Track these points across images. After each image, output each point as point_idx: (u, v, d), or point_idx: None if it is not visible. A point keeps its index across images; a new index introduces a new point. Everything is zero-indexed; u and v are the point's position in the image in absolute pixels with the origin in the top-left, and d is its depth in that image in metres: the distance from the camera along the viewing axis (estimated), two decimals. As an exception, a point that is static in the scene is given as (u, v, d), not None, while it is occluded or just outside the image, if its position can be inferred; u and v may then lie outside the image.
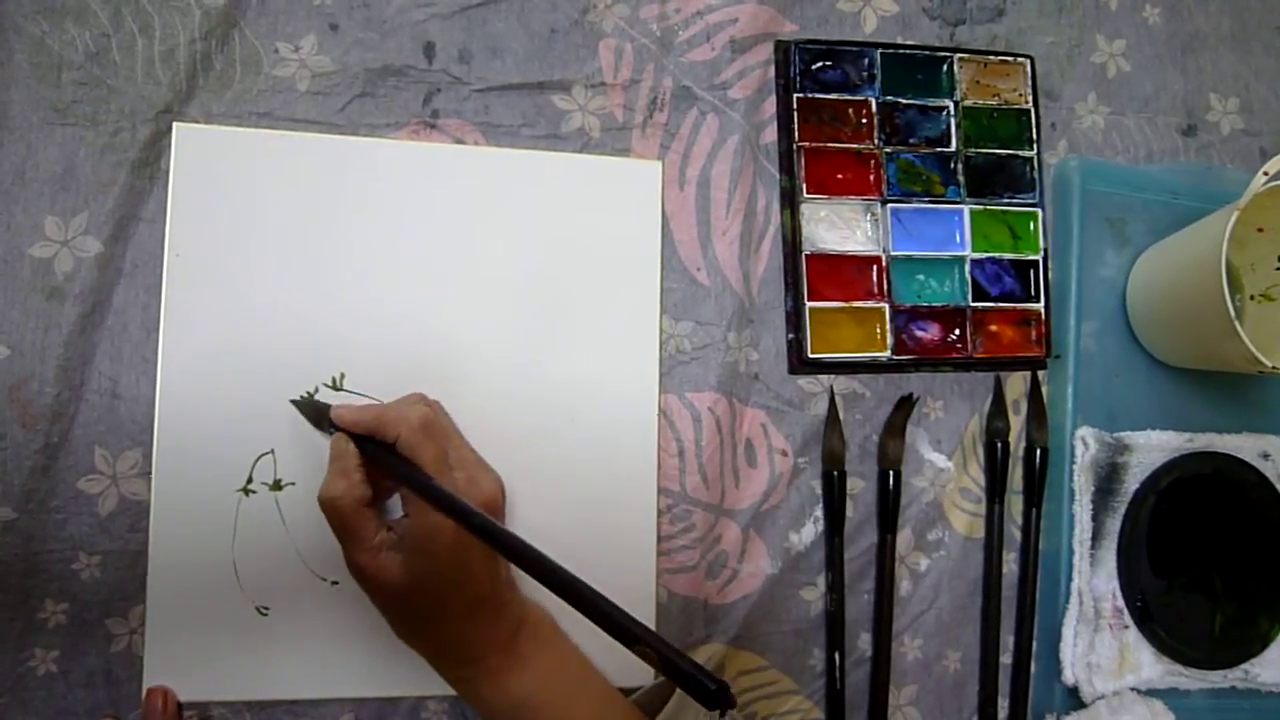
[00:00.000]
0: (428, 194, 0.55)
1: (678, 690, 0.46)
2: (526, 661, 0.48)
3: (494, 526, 0.44)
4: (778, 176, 0.61)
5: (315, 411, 0.51)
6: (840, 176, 0.60)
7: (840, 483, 0.59)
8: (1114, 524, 0.62)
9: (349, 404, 0.50)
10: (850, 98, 0.61)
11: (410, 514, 0.47)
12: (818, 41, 0.61)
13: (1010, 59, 0.64)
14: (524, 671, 0.47)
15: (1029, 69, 0.64)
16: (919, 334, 0.61)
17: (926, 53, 0.63)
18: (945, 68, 0.63)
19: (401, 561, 0.46)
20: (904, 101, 0.62)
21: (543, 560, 0.42)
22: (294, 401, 0.52)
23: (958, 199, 0.62)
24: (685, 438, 0.58)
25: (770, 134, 0.61)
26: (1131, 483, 0.62)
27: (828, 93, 0.61)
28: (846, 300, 0.60)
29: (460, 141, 0.57)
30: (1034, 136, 0.63)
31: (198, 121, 0.53)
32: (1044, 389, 0.63)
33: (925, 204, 0.61)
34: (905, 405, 0.61)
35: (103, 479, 0.51)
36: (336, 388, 0.53)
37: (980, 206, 0.62)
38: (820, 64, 0.61)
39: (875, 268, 0.60)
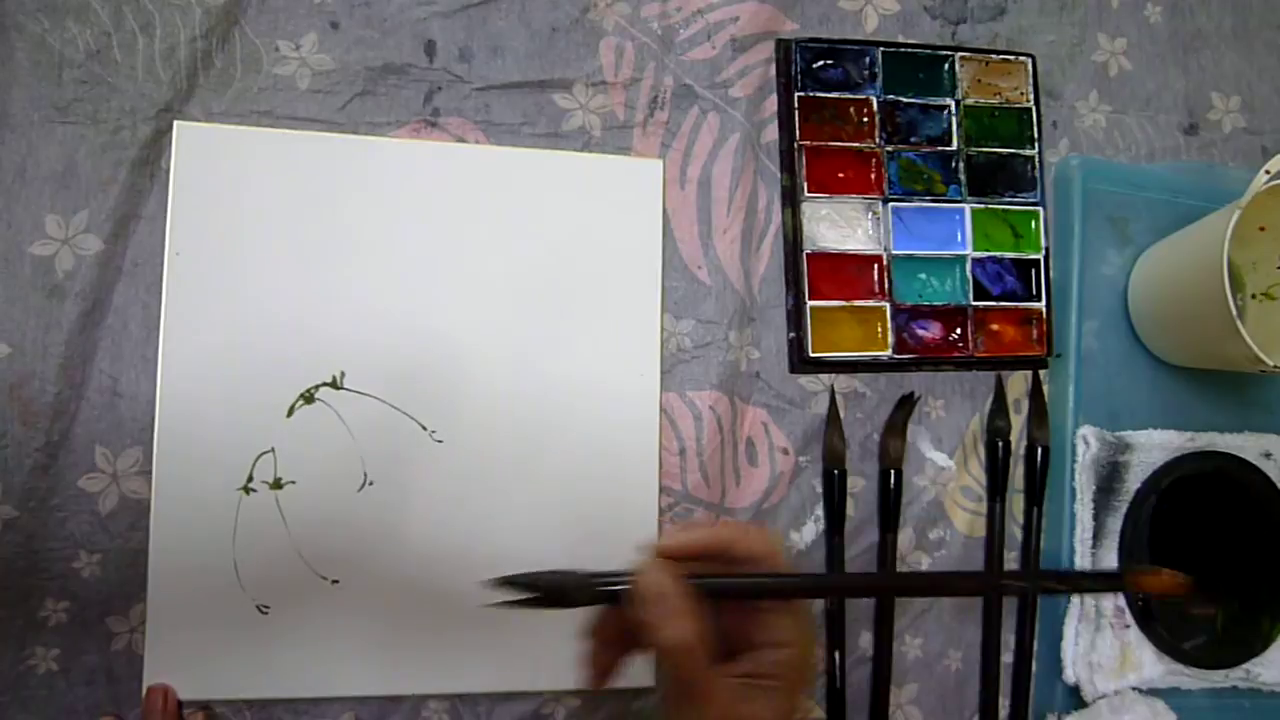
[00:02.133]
0: (428, 192, 0.55)
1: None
2: None
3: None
4: (779, 175, 0.61)
5: (550, 587, 0.38)
6: (841, 175, 0.60)
7: (841, 481, 0.59)
8: (1115, 523, 0.62)
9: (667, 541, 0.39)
10: (851, 96, 0.61)
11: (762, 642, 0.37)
12: (819, 40, 0.61)
13: (1011, 58, 0.64)
14: None
15: (1030, 67, 0.64)
16: (920, 333, 0.61)
17: (928, 51, 0.63)
18: (946, 66, 0.63)
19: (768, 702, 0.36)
20: (905, 100, 0.62)
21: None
22: (505, 586, 0.38)
23: (959, 198, 0.62)
24: (686, 436, 0.58)
25: (771, 133, 0.61)
26: (1133, 482, 0.62)
27: (829, 91, 0.61)
28: (848, 299, 0.60)
29: (461, 140, 0.56)
30: (1035, 135, 0.63)
31: (198, 120, 0.53)
32: (1045, 388, 0.63)
33: (926, 203, 0.61)
34: (906, 404, 0.61)
35: (103, 477, 0.51)
36: (337, 386, 0.53)
37: (981, 205, 0.62)
38: (821, 63, 0.61)
39: (876, 266, 0.60)
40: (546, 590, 0.37)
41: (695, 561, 0.37)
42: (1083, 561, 0.61)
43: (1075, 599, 0.60)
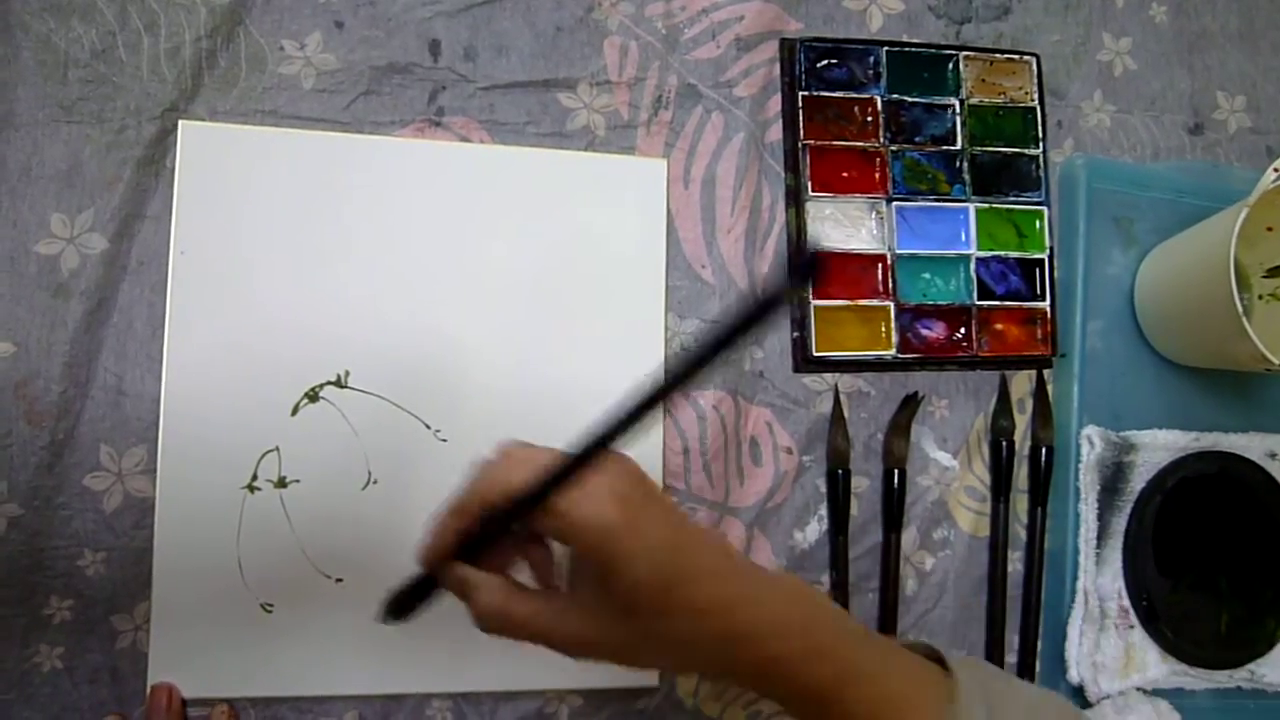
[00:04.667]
0: (433, 192, 0.55)
1: None
2: (820, 628, 0.39)
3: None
4: (783, 174, 0.61)
5: (402, 597, 0.42)
6: (845, 175, 0.60)
7: (845, 481, 0.59)
8: (1119, 523, 0.62)
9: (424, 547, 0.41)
10: (856, 96, 0.61)
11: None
12: (823, 39, 0.61)
13: (1016, 57, 0.64)
14: (825, 643, 0.38)
15: (1035, 67, 0.64)
16: (924, 332, 0.60)
17: (932, 51, 0.63)
18: (951, 66, 0.63)
19: (593, 582, 0.37)
20: (909, 99, 0.62)
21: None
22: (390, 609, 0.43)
23: (963, 197, 0.62)
24: (690, 435, 0.57)
25: (775, 132, 0.61)
26: (1137, 482, 0.62)
27: (833, 91, 0.61)
28: (852, 298, 0.60)
29: (465, 139, 0.57)
30: (1040, 135, 0.63)
31: (203, 119, 0.53)
32: (1049, 388, 0.63)
33: (931, 202, 0.61)
34: (910, 404, 0.61)
35: (108, 476, 0.51)
36: (341, 385, 0.53)
37: (986, 205, 0.62)
38: (825, 62, 0.61)
39: (880, 266, 0.60)
40: (396, 606, 0.42)
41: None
42: (1087, 562, 0.61)
43: (1081, 598, 0.60)
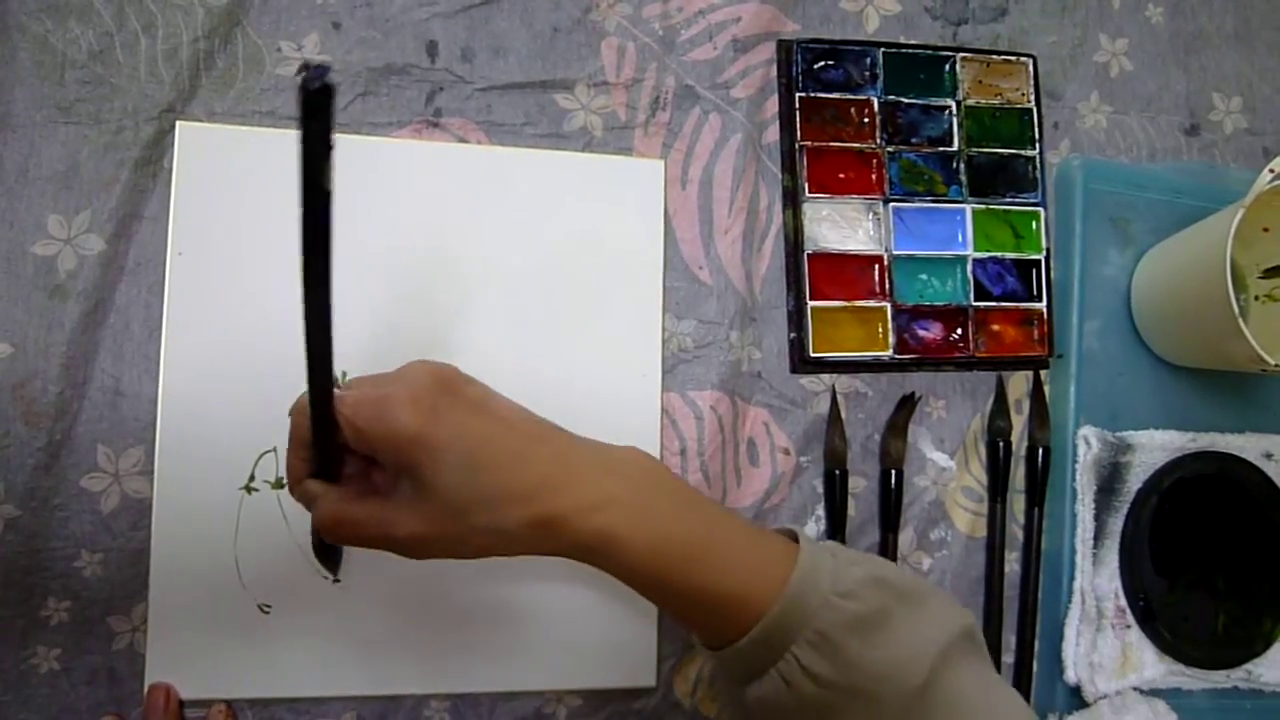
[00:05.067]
0: (430, 193, 0.55)
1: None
2: (647, 500, 0.39)
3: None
4: (780, 176, 0.61)
5: (318, 544, 0.46)
6: (842, 176, 0.60)
7: (842, 482, 0.59)
8: (1116, 523, 0.62)
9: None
10: (852, 97, 0.61)
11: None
12: (820, 41, 0.61)
13: (1013, 58, 0.64)
14: (652, 515, 0.39)
15: (1031, 68, 0.64)
16: (921, 333, 0.61)
17: (929, 52, 0.63)
18: (947, 67, 0.63)
19: (411, 485, 0.38)
20: (906, 101, 0.62)
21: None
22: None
23: (960, 198, 0.62)
24: (687, 436, 0.58)
25: (772, 133, 0.61)
26: (1134, 482, 0.62)
27: (830, 92, 0.61)
28: (849, 299, 0.60)
29: (463, 140, 0.57)
30: (1036, 136, 0.63)
31: (200, 120, 0.53)
32: (1046, 388, 0.63)
33: (927, 203, 0.61)
34: (907, 404, 0.61)
35: (105, 477, 0.51)
36: (339, 386, 0.53)
37: (982, 206, 0.62)
38: (822, 63, 0.61)
39: (877, 267, 0.60)
40: (322, 551, 0.46)
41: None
42: (1084, 562, 0.61)
43: (1078, 598, 0.60)
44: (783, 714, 0.38)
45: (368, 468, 0.41)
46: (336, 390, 0.37)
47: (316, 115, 0.30)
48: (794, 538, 0.41)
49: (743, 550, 0.39)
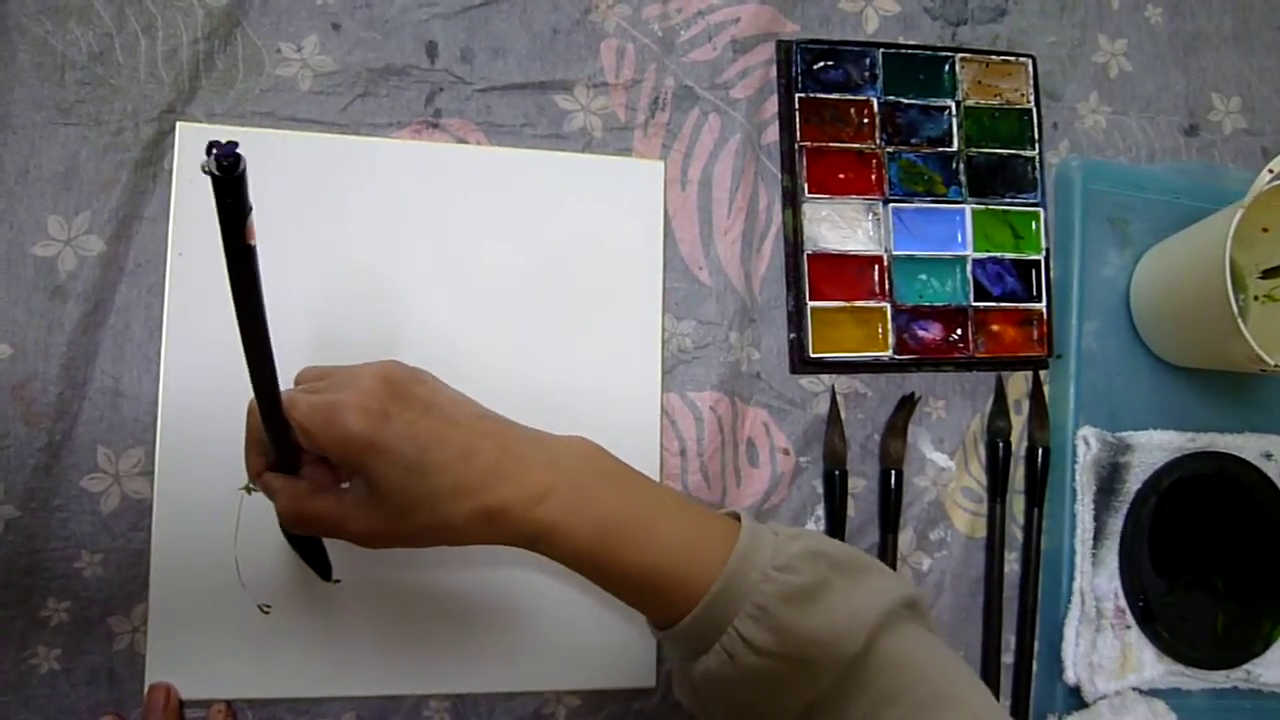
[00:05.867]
0: (430, 194, 0.55)
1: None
2: (586, 488, 0.41)
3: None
4: (779, 176, 0.61)
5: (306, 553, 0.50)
6: (842, 176, 0.61)
7: (842, 482, 0.59)
8: (1116, 524, 0.62)
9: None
10: (852, 97, 0.61)
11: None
12: (819, 41, 0.61)
13: (1012, 59, 0.64)
14: (590, 502, 0.40)
15: (1031, 69, 0.64)
16: (921, 334, 0.61)
17: (928, 52, 0.63)
18: (947, 67, 0.63)
19: (364, 484, 0.40)
20: (906, 101, 0.62)
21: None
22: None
23: (959, 199, 0.62)
24: (687, 437, 0.58)
25: (772, 134, 0.61)
26: (1133, 482, 0.62)
27: (829, 92, 0.61)
28: (848, 300, 0.60)
29: (463, 141, 0.57)
30: (1036, 136, 0.63)
31: (200, 121, 0.53)
32: (1046, 389, 0.63)
33: (927, 204, 0.61)
34: (907, 405, 0.61)
35: (105, 477, 0.51)
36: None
37: (982, 206, 0.62)
38: (822, 64, 0.61)
39: (877, 267, 0.60)
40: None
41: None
42: (1083, 562, 0.61)
43: (1077, 599, 0.60)
44: (728, 686, 0.39)
45: (323, 460, 0.43)
46: (288, 394, 0.39)
47: (231, 193, 0.32)
48: (737, 519, 0.42)
49: (684, 531, 0.41)
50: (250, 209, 0.33)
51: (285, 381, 0.43)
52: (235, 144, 0.30)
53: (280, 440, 0.41)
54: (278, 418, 0.39)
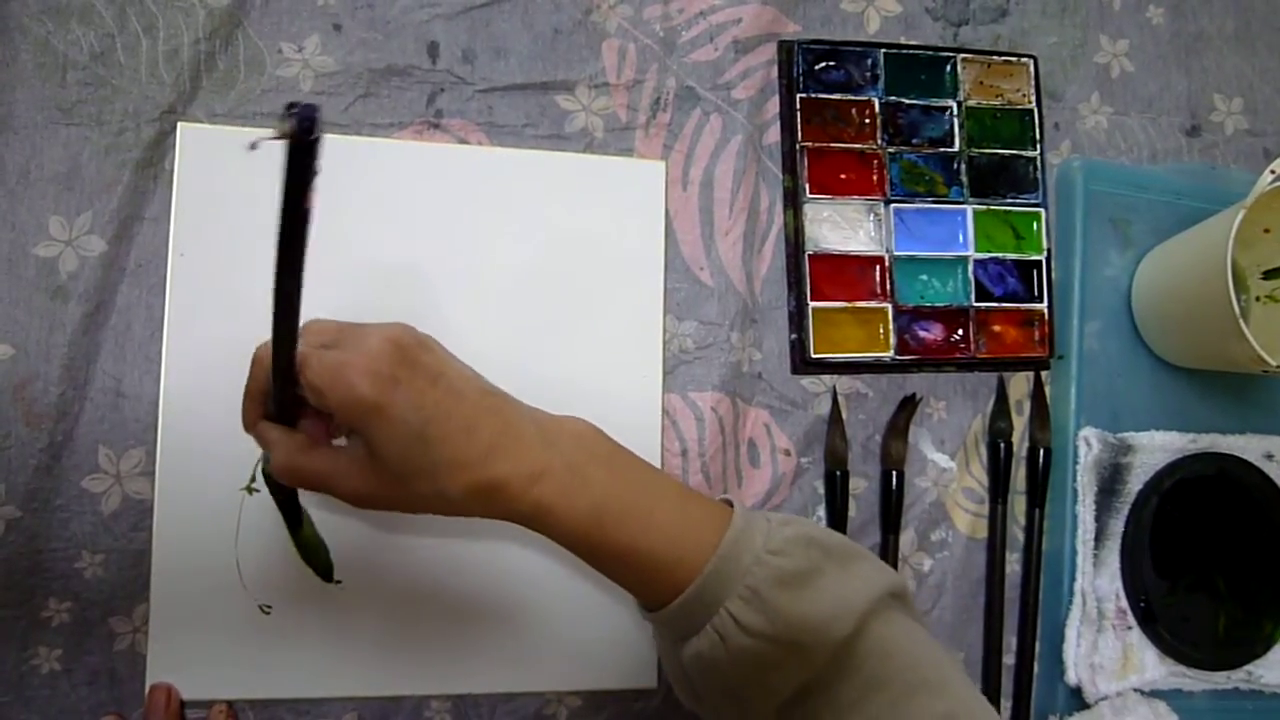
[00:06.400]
0: (431, 194, 0.55)
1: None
2: (581, 470, 0.41)
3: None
4: (781, 177, 0.61)
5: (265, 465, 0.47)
6: (843, 177, 0.60)
7: (843, 483, 0.59)
8: (1117, 524, 0.62)
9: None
10: (853, 98, 0.61)
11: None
12: (821, 42, 0.61)
13: (1013, 59, 0.64)
14: (585, 484, 0.40)
15: (1032, 69, 0.64)
16: (922, 334, 0.61)
17: (930, 53, 0.63)
18: (948, 68, 0.63)
19: (364, 445, 0.39)
20: (907, 102, 0.62)
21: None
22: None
23: (961, 199, 0.62)
24: (688, 437, 0.58)
25: (773, 134, 0.61)
26: (1135, 483, 0.62)
27: (831, 93, 0.61)
28: (849, 300, 0.60)
29: (464, 142, 0.57)
30: (1037, 137, 0.63)
31: (201, 121, 0.53)
32: (1047, 389, 0.63)
33: (928, 204, 0.61)
34: (908, 405, 0.61)
35: (106, 478, 0.51)
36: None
37: (983, 207, 0.62)
38: (823, 64, 0.61)
39: (878, 268, 0.60)
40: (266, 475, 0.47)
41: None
42: (1085, 563, 0.61)
43: (1078, 599, 0.60)
44: (718, 668, 0.40)
45: (319, 413, 0.42)
46: (301, 352, 0.38)
47: (306, 157, 0.31)
48: (730, 505, 0.43)
49: (677, 514, 0.41)
50: (319, 172, 0.32)
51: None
52: (315, 106, 0.29)
53: (285, 393, 0.40)
54: (291, 372, 0.39)
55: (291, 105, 0.29)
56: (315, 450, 0.41)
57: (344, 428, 0.42)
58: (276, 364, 0.39)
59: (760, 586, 0.39)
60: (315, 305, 0.53)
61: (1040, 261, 0.62)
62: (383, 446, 0.38)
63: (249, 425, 0.43)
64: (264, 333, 0.52)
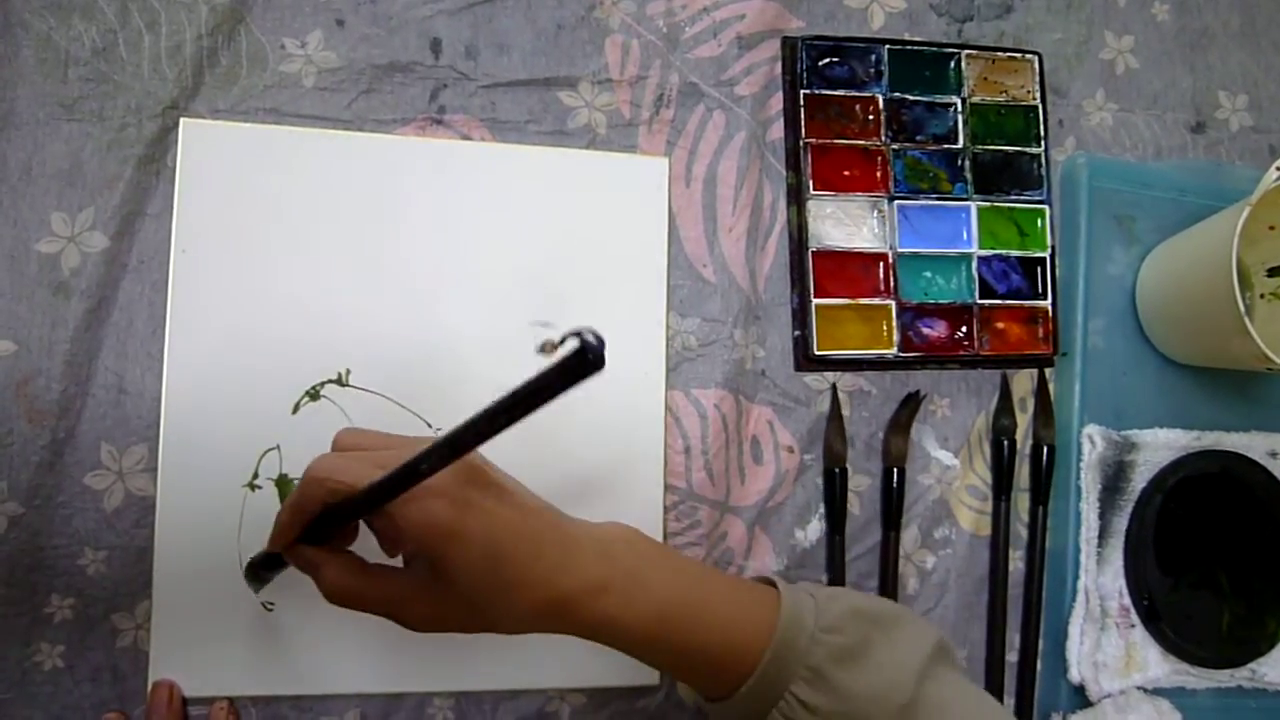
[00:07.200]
0: (434, 190, 0.55)
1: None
2: (639, 577, 0.41)
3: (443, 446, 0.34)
4: (784, 173, 0.61)
5: (256, 567, 0.46)
6: (847, 173, 0.60)
7: (841, 480, 0.59)
8: (1121, 522, 0.62)
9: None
10: (857, 94, 0.61)
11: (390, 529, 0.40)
12: (825, 38, 0.61)
13: (1018, 55, 0.64)
14: (645, 590, 0.40)
15: (1037, 65, 0.64)
16: (926, 331, 0.60)
17: (934, 49, 0.62)
18: (953, 64, 0.63)
19: (427, 568, 0.39)
20: (911, 98, 0.62)
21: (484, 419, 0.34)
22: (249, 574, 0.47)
23: (965, 196, 0.62)
24: (691, 434, 0.57)
25: (777, 130, 0.61)
26: (1139, 481, 0.62)
27: (834, 89, 0.61)
28: (853, 297, 0.60)
29: (467, 138, 0.56)
30: (1041, 133, 0.63)
31: (204, 117, 0.53)
32: (1051, 386, 0.63)
33: (932, 201, 0.61)
34: (911, 402, 0.60)
35: (109, 474, 0.51)
36: (342, 383, 0.53)
37: (987, 203, 0.62)
38: (827, 60, 0.61)
39: (882, 265, 0.60)
40: (253, 574, 0.46)
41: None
42: (1088, 561, 0.61)
43: (1082, 597, 0.60)
44: None
45: (356, 530, 0.42)
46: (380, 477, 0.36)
47: (576, 380, 0.32)
48: (772, 584, 0.44)
49: (730, 605, 0.42)
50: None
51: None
52: (604, 341, 0.31)
53: (348, 518, 0.38)
54: (382, 503, 0.36)
55: (583, 336, 0.30)
56: (373, 574, 0.40)
57: (407, 552, 0.41)
58: (374, 495, 0.36)
59: (821, 666, 0.40)
60: (318, 300, 0.53)
61: (1044, 258, 0.62)
62: (455, 570, 0.37)
63: (284, 545, 0.41)
64: (265, 330, 0.52)
